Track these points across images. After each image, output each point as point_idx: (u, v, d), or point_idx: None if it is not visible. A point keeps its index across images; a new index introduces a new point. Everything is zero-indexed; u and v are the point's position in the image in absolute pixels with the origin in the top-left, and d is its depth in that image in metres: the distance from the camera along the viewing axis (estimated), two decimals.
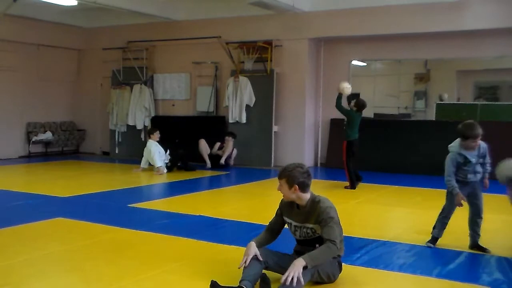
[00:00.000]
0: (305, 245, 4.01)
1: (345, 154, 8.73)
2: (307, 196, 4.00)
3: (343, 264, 4.50)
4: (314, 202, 3.97)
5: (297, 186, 3.93)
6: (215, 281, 3.76)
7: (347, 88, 8.76)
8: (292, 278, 3.57)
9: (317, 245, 3.97)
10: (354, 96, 12.23)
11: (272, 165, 11.94)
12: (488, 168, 5.22)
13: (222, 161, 11.35)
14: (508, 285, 4.05)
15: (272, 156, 11.97)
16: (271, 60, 11.95)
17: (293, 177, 3.92)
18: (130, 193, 8.41)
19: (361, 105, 8.94)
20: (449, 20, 10.43)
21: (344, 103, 9.25)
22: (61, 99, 14.48)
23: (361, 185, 9.38)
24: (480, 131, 5.01)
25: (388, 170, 11.00)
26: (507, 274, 4.31)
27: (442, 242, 5.34)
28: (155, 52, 13.61)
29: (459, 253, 4.89)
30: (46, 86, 13.95)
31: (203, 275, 4.17)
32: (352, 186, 8.76)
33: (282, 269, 3.95)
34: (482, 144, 5.14)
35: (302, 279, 3.63)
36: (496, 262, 4.64)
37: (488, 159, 5.23)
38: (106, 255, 4.75)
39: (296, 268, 3.63)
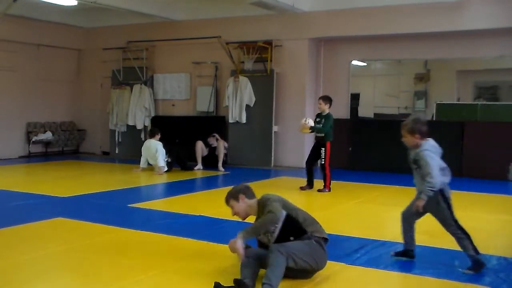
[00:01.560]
0: (282, 242, 4.01)
1: (329, 155, 8.45)
2: (255, 201, 4.27)
3: (343, 264, 4.51)
4: (259, 201, 4.23)
5: (243, 195, 4.28)
6: (219, 283, 3.77)
7: (305, 125, 8.45)
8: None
9: (291, 238, 4.03)
10: (354, 96, 12.31)
11: (272, 165, 11.94)
12: (426, 186, 4.20)
13: (220, 167, 11.16)
14: (508, 285, 4.05)
15: (272, 156, 11.97)
16: (271, 60, 11.95)
17: (236, 190, 4.33)
18: (130, 193, 8.41)
19: (331, 101, 8.62)
20: (449, 20, 10.43)
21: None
22: (61, 99, 14.48)
23: (361, 185, 9.39)
24: (406, 123, 4.33)
25: (388, 170, 10.99)
26: (507, 274, 4.31)
27: (442, 242, 5.34)
28: (155, 52, 13.61)
29: (459, 253, 4.89)
30: (46, 86, 13.94)
31: (203, 275, 4.17)
32: (326, 189, 8.48)
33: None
34: (420, 148, 4.30)
35: (241, 251, 3.88)
36: (496, 262, 4.64)
37: (426, 170, 4.20)
38: (106, 255, 4.75)
39: (234, 241, 3.93)
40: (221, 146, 11.37)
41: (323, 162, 8.46)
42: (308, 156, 8.85)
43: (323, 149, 8.42)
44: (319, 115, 8.58)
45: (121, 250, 4.94)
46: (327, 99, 8.56)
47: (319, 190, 8.45)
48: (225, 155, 11.60)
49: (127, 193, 8.38)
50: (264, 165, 11.88)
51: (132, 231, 5.63)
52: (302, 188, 8.64)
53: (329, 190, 8.47)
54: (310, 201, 8.50)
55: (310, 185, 8.69)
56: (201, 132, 11.87)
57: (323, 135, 8.42)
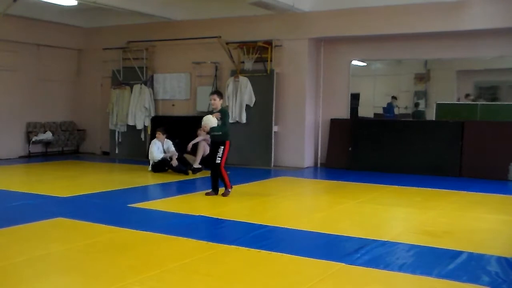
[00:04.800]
0: None
1: (226, 156, 7.76)
2: None
3: (343, 264, 4.51)
4: None
5: None
6: None
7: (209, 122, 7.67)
8: None
9: None
10: (355, 96, 12.31)
11: (272, 165, 11.94)
12: None
13: (197, 164, 10.64)
14: (508, 285, 4.05)
15: (272, 156, 11.96)
16: (271, 60, 11.94)
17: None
18: (130, 193, 8.40)
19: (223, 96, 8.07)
20: (449, 20, 10.43)
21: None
22: (61, 99, 14.47)
23: (361, 185, 9.39)
24: None
25: (388, 170, 11.00)
26: (507, 274, 4.31)
27: (442, 242, 5.34)
28: (155, 52, 13.61)
29: (459, 253, 4.89)
30: (46, 86, 13.94)
31: (203, 275, 4.17)
32: (228, 189, 7.84)
33: None
34: None
35: None
36: (496, 262, 4.64)
37: None
38: (106, 255, 4.75)
39: None
40: (202, 143, 10.78)
41: (218, 162, 7.71)
42: (211, 160, 7.97)
43: (222, 147, 7.74)
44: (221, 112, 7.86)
45: (121, 250, 4.94)
46: (220, 94, 7.96)
47: (223, 195, 7.79)
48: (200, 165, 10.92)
49: (127, 193, 8.38)
50: (264, 165, 11.88)
51: (132, 231, 5.63)
52: (207, 194, 7.91)
53: (231, 188, 7.90)
54: (309, 201, 8.50)
55: (215, 190, 7.93)
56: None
57: (220, 133, 7.75)
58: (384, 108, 12.42)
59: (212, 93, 8.04)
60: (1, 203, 7.34)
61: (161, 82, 13.57)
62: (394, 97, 12.42)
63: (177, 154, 10.59)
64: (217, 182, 7.92)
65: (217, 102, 7.81)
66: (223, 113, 7.81)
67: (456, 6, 10.33)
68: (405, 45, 11.40)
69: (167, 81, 13.48)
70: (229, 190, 7.88)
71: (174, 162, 10.36)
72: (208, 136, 10.97)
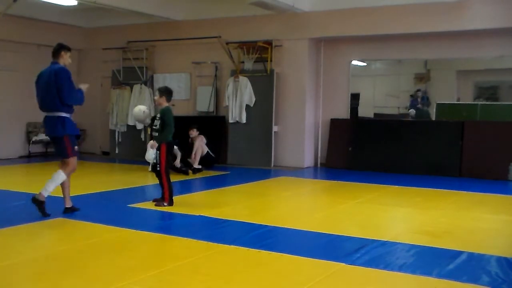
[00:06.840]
0: None
1: (164, 160, 6.98)
2: None
3: (343, 264, 4.51)
4: None
5: None
6: None
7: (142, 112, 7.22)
8: None
9: None
10: (354, 96, 12.31)
11: (272, 165, 11.93)
12: None
13: (197, 164, 10.72)
14: (508, 285, 4.05)
15: (272, 156, 11.96)
16: (271, 60, 11.94)
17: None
18: (130, 193, 8.40)
19: (169, 93, 7.31)
20: (449, 20, 10.43)
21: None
22: None
23: (361, 185, 9.38)
24: None
25: (388, 170, 11.00)
26: (507, 274, 4.31)
27: (442, 242, 5.34)
28: (155, 52, 13.61)
29: (459, 253, 4.89)
30: None
31: (203, 275, 4.17)
32: (171, 202, 6.99)
33: None
34: None
35: None
36: (496, 262, 4.65)
37: None
38: (106, 255, 4.75)
39: None
40: (198, 141, 10.92)
41: (158, 169, 7.01)
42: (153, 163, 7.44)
43: (158, 152, 7.02)
44: (160, 111, 7.26)
45: (121, 250, 4.94)
46: (164, 92, 7.25)
47: (156, 204, 7.01)
48: (208, 152, 11.14)
49: (127, 193, 8.38)
50: (264, 165, 11.88)
51: (132, 231, 5.63)
52: (156, 202, 7.12)
53: (169, 204, 6.97)
54: (310, 201, 8.50)
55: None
56: (201, 132, 11.84)
57: (157, 134, 7.11)
58: (411, 104, 12.19)
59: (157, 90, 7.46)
60: (1, 203, 7.34)
61: (161, 82, 13.54)
62: (418, 90, 12.15)
63: (180, 154, 10.56)
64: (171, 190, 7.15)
65: (158, 99, 7.22)
66: (163, 112, 7.12)
67: (456, 6, 10.33)
68: (405, 45, 11.40)
69: (167, 81, 13.46)
70: (165, 203, 6.96)
71: (177, 163, 10.36)
72: (203, 137, 11.17)
